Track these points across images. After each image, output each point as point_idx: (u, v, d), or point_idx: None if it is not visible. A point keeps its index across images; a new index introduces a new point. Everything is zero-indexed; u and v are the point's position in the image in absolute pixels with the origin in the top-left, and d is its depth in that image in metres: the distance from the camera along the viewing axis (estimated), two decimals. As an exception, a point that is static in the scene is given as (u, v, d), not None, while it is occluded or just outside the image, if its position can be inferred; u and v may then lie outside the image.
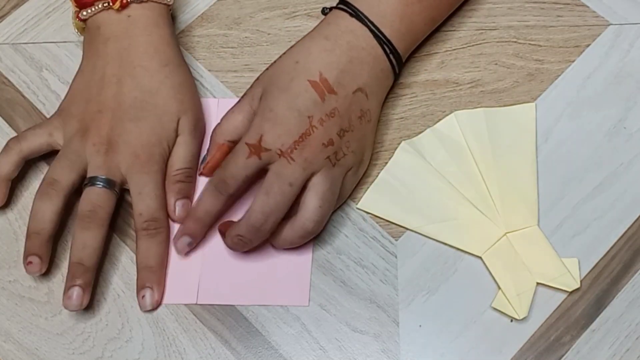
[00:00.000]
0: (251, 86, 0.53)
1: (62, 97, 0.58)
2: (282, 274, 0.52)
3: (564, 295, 0.50)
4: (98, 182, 0.51)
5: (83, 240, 0.50)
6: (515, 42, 0.58)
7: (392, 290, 0.51)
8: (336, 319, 0.51)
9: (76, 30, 0.58)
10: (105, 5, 0.54)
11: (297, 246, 0.51)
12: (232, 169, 0.50)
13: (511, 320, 0.50)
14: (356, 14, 0.52)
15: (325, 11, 0.55)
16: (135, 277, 0.52)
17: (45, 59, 0.60)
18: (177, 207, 0.53)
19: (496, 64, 0.57)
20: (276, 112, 0.49)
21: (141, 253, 0.51)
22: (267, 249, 0.52)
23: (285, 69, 0.51)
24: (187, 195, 0.54)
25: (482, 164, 0.54)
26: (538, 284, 0.50)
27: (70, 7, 0.57)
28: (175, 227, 0.53)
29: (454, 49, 0.58)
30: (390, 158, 0.55)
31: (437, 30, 0.59)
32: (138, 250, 0.51)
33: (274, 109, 0.50)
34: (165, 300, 0.52)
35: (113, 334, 0.51)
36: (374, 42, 0.52)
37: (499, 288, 0.50)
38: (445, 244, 0.52)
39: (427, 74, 0.58)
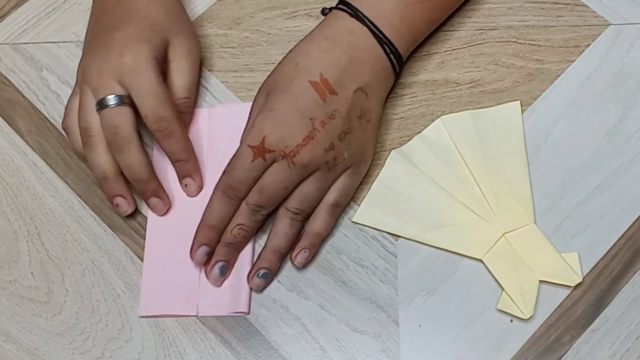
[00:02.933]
0: (255, 97, 0.53)
1: (62, 97, 0.59)
2: (227, 282, 0.52)
3: (564, 296, 0.50)
4: (107, 103, 0.50)
5: (126, 162, 0.51)
6: (515, 42, 0.58)
7: (392, 290, 0.51)
8: (336, 319, 0.51)
9: None
10: None
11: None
12: (239, 173, 0.50)
13: (511, 320, 0.50)
14: (356, 14, 0.52)
15: (324, 12, 0.55)
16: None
17: (45, 59, 0.60)
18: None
19: (496, 64, 0.57)
20: (278, 111, 0.49)
21: (168, 152, 0.53)
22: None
23: (286, 71, 0.51)
24: (187, 125, 0.55)
25: (473, 167, 0.53)
26: (541, 281, 0.50)
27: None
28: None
29: (454, 49, 0.58)
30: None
31: (437, 30, 0.59)
32: (165, 150, 0.53)
33: (275, 108, 0.50)
34: (166, 312, 0.51)
35: (113, 334, 0.51)
36: (374, 41, 0.52)
37: (502, 289, 0.50)
38: (445, 249, 0.52)
39: (427, 74, 0.58)
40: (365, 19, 0.52)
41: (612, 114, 0.55)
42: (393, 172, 0.54)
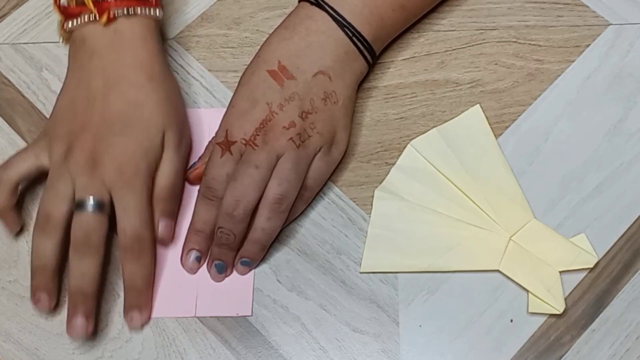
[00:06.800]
0: None
1: (62, 97, 0.59)
2: (227, 284, 0.52)
3: (564, 295, 0.50)
4: (88, 207, 0.48)
5: (81, 269, 0.48)
6: (515, 42, 0.58)
7: (392, 290, 0.51)
8: (336, 319, 0.51)
9: (61, 41, 0.56)
10: (91, 18, 0.53)
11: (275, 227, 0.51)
12: (211, 172, 0.51)
13: (511, 320, 0.50)
14: (316, 1, 0.53)
15: None
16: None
17: (45, 59, 0.60)
18: (159, 227, 0.52)
19: (496, 64, 0.57)
20: (237, 106, 0.52)
21: (127, 275, 0.50)
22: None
23: (250, 66, 0.53)
24: (172, 214, 0.53)
25: (458, 182, 0.53)
26: (561, 272, 0.50)
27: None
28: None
29: (454, 49, 0.58)
30: (390, 158, 0.55)
31: (437, 30, 0.59)
32: (124, 271, 0.50)
33: (235, 104, 0.52)
34: (164, 314, 0.51)
35: (113, 334, 0.51)
36: (334, 25, 0.52)
37: (528, 292, 0.50)
38: (459, 271, 0.51)
39: (427, 74, 0.58)
40: (324, 4, 0.53)
41: (612, 114, 0.55)
42: (382, 211, 0.53)
